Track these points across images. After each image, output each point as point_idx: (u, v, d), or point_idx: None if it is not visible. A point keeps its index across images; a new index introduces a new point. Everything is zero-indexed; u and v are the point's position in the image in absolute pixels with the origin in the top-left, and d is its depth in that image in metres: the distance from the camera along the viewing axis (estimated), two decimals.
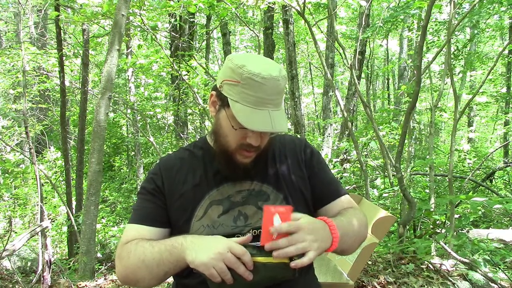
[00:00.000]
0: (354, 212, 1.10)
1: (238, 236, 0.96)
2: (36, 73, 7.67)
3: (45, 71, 7.52)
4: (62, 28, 5.92)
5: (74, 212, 5.80)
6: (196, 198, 1.07)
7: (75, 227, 5.21)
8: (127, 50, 8.64)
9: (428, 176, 4.86)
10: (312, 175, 1.14)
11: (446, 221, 3.73)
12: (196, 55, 6.97)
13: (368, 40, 7.63)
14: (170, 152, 1.24)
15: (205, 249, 0.87)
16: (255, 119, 0.94)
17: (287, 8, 6.41)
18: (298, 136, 1.27)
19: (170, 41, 8.01)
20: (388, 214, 1.79)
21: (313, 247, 0.87)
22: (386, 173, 4.67)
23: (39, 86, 7.78)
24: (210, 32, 8.98)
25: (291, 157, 1.15)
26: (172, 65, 5.73)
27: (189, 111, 8.22)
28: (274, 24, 8.91)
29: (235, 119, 0.96)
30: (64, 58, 5.96)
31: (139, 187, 9.65)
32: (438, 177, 6.52)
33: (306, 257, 0.86)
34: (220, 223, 1.04)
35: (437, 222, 3.84)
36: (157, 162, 1.17)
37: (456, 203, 3.59)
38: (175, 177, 1.10)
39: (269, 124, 0.94)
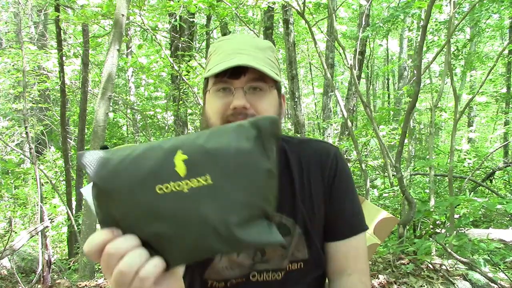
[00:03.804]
0: None
1: (253, 276, 0.87)
2: (36, 73, 7.67)
3: (45, 71, 7.53)
4: (62, 28, 5.92)
5: (74, 212, 5.80)
6: None
7: (75, 227, 5.21)
8: (127, 50, 8.65)
9: (428, 176, 4.86)
10: (329, 199, 0.91)
11: (446, 221, 3.73)
12: (196, 55, 6.97)
13: (368, 40, 7.63)
14: None
15: None
16: (221, 66, 0.82)
17: (287, 8, 6.41)
18: (328, 142, 1.01)
19: (170, 41, 8.01)
20: (390, 216, 1.79)
21: None
22: (386, 173, 4.67)
23: (39, 86, 7.79)
24: (210, 32, 8.99)
25: (315, 176, 0.91)
26: (172, 65, 5.73)
27: (189, 111, 8.22)
28: (274, 24, 8.91)
29: (210, 85, 0.87)
30: (64, 58, 5.96)
31: None
32: (438, 177, 6.52)
33: None
34: (238, 263, 0.88)
35: (437, 222, 3.84)
36: None
37: (456, 205, 3.58)
38: None
39: (236, 62, 0.80)
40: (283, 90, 0.95)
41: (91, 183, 0.59)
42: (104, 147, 0.63)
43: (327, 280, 0.97)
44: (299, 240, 0.89)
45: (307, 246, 0.90)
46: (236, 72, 0.82)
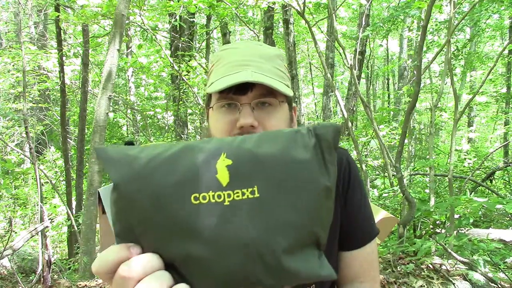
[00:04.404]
0: None
1: None
2: (36, 73, 7.68)
3: (45, 71, 7.53)
4: (62, 28, 5.93)
5: (74, 212, 5.80)
6: None
7: (75, 227, 5.21)
8: (127, 50, 8.65)
9: (428, 176, 4.86)
10: (344, 207, 0.84)
11: (446, 221, 3.73)
12: (196, 55, 6.97)
13: (368, 40, 7.63)
14: None
15: None
16: (226, 81, 0.73)
17: (287, 8, 6.41)
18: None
19: (170, 41, 8.02)
20: (390, 215, 1.79)
21: None
22: (386, 173, 4.68)
23: (39, 86, 7.79)
24: (210, 32, 8.99)
25: None
26: (172, 65, 5.74)
27: (189, 111, 8.23)
28: (274, 24, 8.91)
29: (214, 102, 0.79)
30: (64, 58, 5.96)
31: None
32: (438, 177, 6.52)
33: None
34: None
35: (437, 222, 3.84)
36: None
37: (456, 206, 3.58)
38: None
39: (244, 77, 0.71)
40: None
41: (112, 184, 0.48)
42: (130, 143, 0.53)
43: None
44: None
45: None
46: (242, 88, 0.74)
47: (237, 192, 0.46)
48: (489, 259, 2.74)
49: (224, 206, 0.45)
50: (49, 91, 9.70)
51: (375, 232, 0.88)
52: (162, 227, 0.45)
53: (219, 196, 0.46)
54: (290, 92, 0.78)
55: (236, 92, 0.75)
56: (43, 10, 7.64)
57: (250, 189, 0.46)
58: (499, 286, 2.34)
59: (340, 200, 0.83)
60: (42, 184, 7.03)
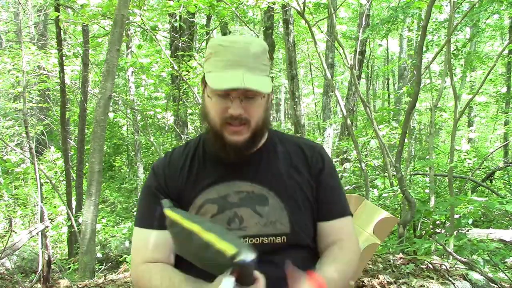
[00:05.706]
0: (340, 261, 1.02)
1: None
2: (36, 73, 7.67)
3: (45, 70, 7.53)
4: (62, 28, 5.93)
5: (74, 212, 5.80)
6: (190, 196, 1.03)
7: (75, 227, 5.21)
8: (127, 50, 8.65)
9: (428, 176, 4.86)
10: (318, 189, 1.08)
11: (446, 221, 3.73)
12: (196, 55, 6.97)
13: (368, 40, 7.63)
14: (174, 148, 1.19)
15: None
16: (223, 79, 0.92)
17: (287, 8, 6.40)
18: (313, 140, 1.23)
19: (170, 41, 8.01)
20: (390, 215, 1.78)
21: None
22: (386, 173, 4.67)
23: (39, 86, 7.79)
24: (210, 32, 8.99)
25: (301, 163, 1.09)
26: (172, 65, 5.73)
27: (189, 111, 8.22)
28: (274, 24, 8.91)
29: (211, 90, 0.96)
30: (64, 58, 5.96)
31: (139, 187, 9.65)
32: (438, 177, 6.52)
33: None
34: None
35: (437, 222, 3.84)
36: (161, 158, 1.13)
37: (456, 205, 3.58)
38: (176, 175, 1.07)
39: (238, 82, 0.90)
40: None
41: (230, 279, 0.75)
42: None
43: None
44: (280, 212, 1.02)
45: (290, 220, 1.02)
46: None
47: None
48: (489, 259, 2.74)
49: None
50: (49, 91, 9.70)
51: (348, 212, 1.12)
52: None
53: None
54: (268, 89, 0.96)
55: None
56: (43, 10, 7.64)
57: None
58: (499, 286, 2.35)
59: (313, 179, 1.07)
60: (42, 184, 7.03)
